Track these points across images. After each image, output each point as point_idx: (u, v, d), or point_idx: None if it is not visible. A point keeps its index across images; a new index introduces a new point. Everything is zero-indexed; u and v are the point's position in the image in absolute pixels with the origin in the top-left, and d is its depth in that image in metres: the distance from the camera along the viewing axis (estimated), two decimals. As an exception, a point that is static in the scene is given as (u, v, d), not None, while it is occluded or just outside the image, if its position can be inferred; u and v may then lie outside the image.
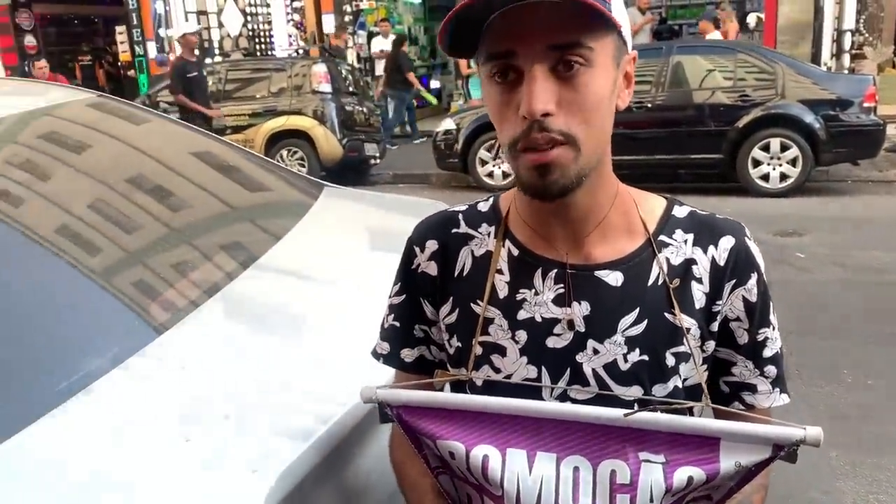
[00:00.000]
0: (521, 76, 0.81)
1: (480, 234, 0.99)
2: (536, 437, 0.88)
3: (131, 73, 12.96)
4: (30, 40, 12.51)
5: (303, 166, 8.92)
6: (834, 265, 5.14)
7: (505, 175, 8.33)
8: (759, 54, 7.94)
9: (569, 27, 0.80)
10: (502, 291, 0.95)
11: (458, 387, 0.99)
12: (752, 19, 10.34)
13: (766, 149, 7.50)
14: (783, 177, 7.50)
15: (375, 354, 1.07)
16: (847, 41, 10.93)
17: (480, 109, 9.03)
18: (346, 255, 1.91)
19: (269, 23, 13.83)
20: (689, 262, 0.92)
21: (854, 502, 2.66)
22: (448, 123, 8.73)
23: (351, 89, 9.83)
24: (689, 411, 0.90)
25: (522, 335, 0.93)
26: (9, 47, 11.93)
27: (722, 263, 0.92)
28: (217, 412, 1.18)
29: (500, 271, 0.96)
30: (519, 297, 0.94)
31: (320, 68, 9.23)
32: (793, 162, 7.44)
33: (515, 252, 0.96)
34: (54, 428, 1.10)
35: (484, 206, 1.02)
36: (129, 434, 1.12)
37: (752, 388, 0.95)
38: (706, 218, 0.96)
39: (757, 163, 7.54)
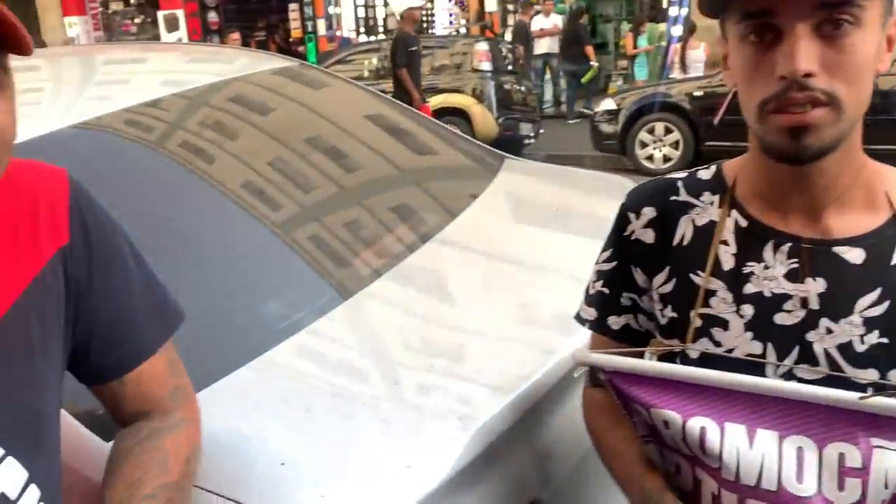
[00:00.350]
0: (779, 35, 0.79)
1: (702, 202, 0.96)
2: (756, 413, 0.86)
3: (301, 48, 13.62)
4: (212, 17, 13.42)
5: (459, 143, 9.02)
6: None
7: (665, 159, 8.06)
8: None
9: None
10: (727, 263, 0.92)
11: (667, 358, 0.98)
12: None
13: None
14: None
15: (580, 319, 1.07)
16: None
17: (642, 90, 8.79)
18: (529, 232, 1.91)
19: (432, 1, 14.06)
20: None
21: None
22: (608, 104, 8.54)
23: (510, 68, 9.83)
24: None
25: (748, 309, 0.90)
26: (193, 12, 12.79)
27: None
28: (420, 364, 1.24)
29: (724, 242, 0.93)
30: (746, 269, 0.91)
31: (482, 46, 9.29)
32: None
33: (744, 223, 0.93)
34: (283, 355, 1.20)
35: (705, 175, 0.99)
36: (341, 376, 1.20)
37: None
38: None
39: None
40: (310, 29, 13.61)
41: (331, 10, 13.63)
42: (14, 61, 0.69)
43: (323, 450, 1.01)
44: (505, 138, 9.25)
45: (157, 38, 12.47)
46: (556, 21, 12.06)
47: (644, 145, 8.14)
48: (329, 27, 13.47)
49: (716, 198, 0.96)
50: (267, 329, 1.32)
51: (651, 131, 8.06)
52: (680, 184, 0.99)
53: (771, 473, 0.84)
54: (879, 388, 0.84)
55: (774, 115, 0.81)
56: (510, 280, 1.62)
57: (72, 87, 2.01)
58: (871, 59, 0.81)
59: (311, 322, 1.35)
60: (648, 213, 0.99)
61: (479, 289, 1.56)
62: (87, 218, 0.81)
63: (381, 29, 13.48)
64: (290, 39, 13.71)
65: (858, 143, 0.87)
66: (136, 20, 13.93)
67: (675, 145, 7.98)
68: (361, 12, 13.78)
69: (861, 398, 0.81)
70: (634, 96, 8.38)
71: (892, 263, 0.87)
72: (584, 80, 11.64)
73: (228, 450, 0.99)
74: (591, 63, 11.57)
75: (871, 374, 0.86)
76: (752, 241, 0.91)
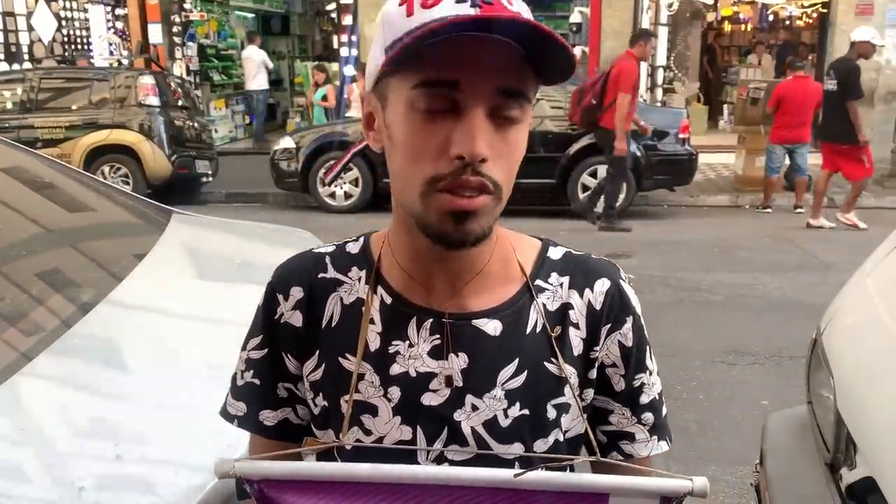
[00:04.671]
0: (455, 110, 0.75)
1: (350, 279, 0.90)
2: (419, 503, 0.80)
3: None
4: None
5: (127, 184, 8.36)
6: (662, 286, 5.51)
7: (347, 196, 8.23)
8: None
9: (517, 73, 0.76)
10: (374, 343, 0.87)
11: (324, 452, 0.89)
12: (577, 52, 10.97)
13: (594, 175, 7.94)
14: (610, 201, 7.98)
15: (227, 416, 0.94)
16: (660, 76, 11.88)
17: (320, 129, 8.90)
18: (203, 293, 1.75)
19: (88, 29, 12.89)
20: (566, 307, 0.89)
21: (695, 513, 2.82)
22: (287, 142, 8.51)
23: (181, 103, 9.35)
24: (571, 466, 0.87)
25: (395, 392, 0.86)
26: None
27: (598, 307, 0.89)
28: (69, 483, 1.01)
29: (371, 321, 0.87)
30: (392, 349, 0.86)
31: (147, 80, 8.71)
32: (618, 188, 7.93)
33: (388, 300, 0.88)
34: None
35: (353, 248, 0.93)
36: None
37: (631, 437, 0.93)
38: (581, 259, 0.93)
39: (586, 188, 7.97)
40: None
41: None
42: None
43: None
44: (180, 177, 8.77)
45: None
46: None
47: (325, 183, 8.23)
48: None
49: (363, 273, 0.90)
50: None
51: (330, 170, 8.18)
52: (328, 259, 0.92)
53: None
54: (526, 462, 0.84)
55: (440, 193, 0.77)
56: (187, 349, 1.45)
57: None
58: (523, 150, 0.81)
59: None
60: (296, 293, 0.90)
61: (144, 375, 1.36)
62: None
63: (25, 57, 11.96)
64: None
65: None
66: None
67: (356, 182, 8.20)
68: (0, 37, 12.10)
69: (515, 475, 0.79)
70: (312, 135, 8.48)
71: (527, 332, 0.87)
72: None
73: None
74: None
75: (516, 448, 0.86)
76: (396, 319, 0.87)
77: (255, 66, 12.83)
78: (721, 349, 4.34)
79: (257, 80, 12.88)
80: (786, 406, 2.32)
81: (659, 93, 11.91)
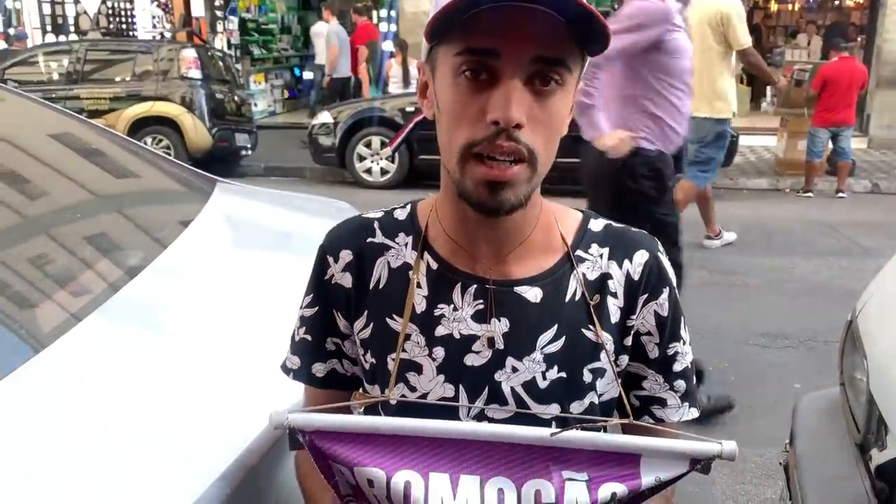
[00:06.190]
0: (495, 78, 0.79)
1: (398, 244, 0.96)
2: (458, 459, 0.85)
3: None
4: None
5: (168, 155, 8.51)
6: (698, 268, 5.47)
7: (383, 172, 8.27)
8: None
9: (558, 42, 0.78)
10: (420, 306, 0.92)
11: (370, 407, 0.96)
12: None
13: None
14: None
15: (285, 369, 1.02)
16: (702, 56, 11.65)
17: (357, 104, 8.94)
18: (247, 261, 1.80)
19: (132, 2, 13.06)
20: (605, 277, 0.93)
21: (723, 492, 2.83)
22: (325, 116, 8.56)
23: (222, 76, 9.46)
24: (605, 427, 0.91)
25: (440, 352, 0.91)
26: None
27: (636, 278, 0.93)
28: (116, 438, 1.06)
29: (418, 285, 0.93)
30: (437, 312, 0.91)
31: (189, 53, 8.83)
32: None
33: (434, 265, 0.93)
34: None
35: (401, 214, 0.98)
36: (16, 466, 1.00)
37: (662, 403, 0.97)
38: (621, 231, 0.97)
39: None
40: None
41: (9, 3, 12.02)
42: None
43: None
44: (220, 150, 8.90)
45: None
46: None
47: (362, 158, 8.29)
48: (7, 24, 11.87)
49: (409, 239, 0.95)
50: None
51: (368, 145, 8.22)
52: (376, 224, 0.98)
53: None
54: (562, 422, 0.88)
55: (476, 164, 0.81)
56: (223, 327, 1.48)
57: None
58: (565, 120, 0.85)
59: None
60: (346, 256, 0.96)
61: (189, 338, 1.41)
62: None
63: (71, 28, 12.17)
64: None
65: (539, 192, 0.91)
66: None
67: (392, 158, 8.23)
68: (47, 8, 12.33)
69: (552, 434, 0.84)
70: (350, 110, 8.50)
71: (566, 300, 0.91)
72: None
73: None
74: None
75: (553, 409, 0.90)
76: (442, 284, 0.92)
77: (324, 41, 12.29)
78: (755, 332, 4.31)
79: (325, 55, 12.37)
80: (818, 389, 2.32)
81: (700, 73, 11.70)
